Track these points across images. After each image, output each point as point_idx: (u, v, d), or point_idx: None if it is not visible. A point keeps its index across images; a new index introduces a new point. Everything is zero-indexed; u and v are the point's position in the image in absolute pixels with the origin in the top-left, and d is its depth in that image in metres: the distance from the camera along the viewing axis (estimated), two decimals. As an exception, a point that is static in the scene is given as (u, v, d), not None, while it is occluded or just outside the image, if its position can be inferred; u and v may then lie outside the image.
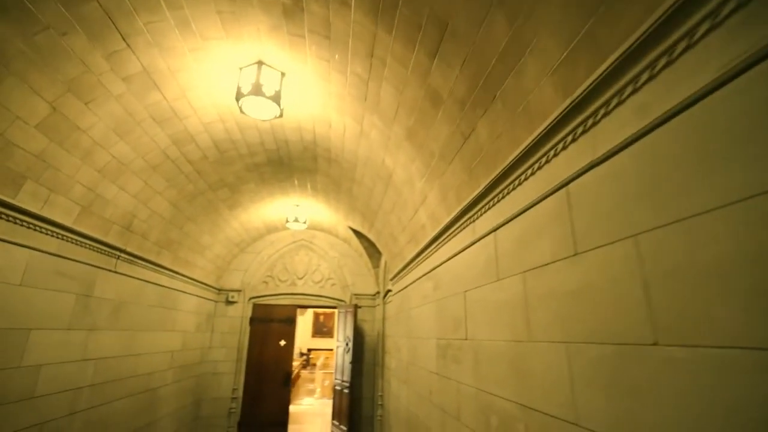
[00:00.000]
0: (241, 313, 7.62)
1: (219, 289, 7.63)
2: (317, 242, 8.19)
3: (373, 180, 4.34)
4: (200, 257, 6.30)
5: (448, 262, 3.22)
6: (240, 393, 7.31)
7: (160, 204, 4.38)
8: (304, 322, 25.50)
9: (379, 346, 7.08)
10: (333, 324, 25.88)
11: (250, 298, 7.78)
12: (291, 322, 7.74)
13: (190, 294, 6.29)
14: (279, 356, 7.55)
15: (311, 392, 13.51)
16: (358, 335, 7.42)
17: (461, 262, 2.92)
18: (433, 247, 3.61)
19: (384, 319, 7.07)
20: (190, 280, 6.19)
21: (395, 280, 5.61)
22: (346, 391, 6.83)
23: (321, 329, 25.89)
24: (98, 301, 3.93)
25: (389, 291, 6.62)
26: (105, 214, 3.73)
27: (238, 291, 7.69)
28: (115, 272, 4.19)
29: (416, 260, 4.28)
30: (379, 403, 6.69)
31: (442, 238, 3.29)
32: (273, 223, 7.46)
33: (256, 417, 7.23)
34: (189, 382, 6.49)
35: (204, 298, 6.95)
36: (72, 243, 3.48)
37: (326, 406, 11.15)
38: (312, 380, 17.29)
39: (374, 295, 7.84)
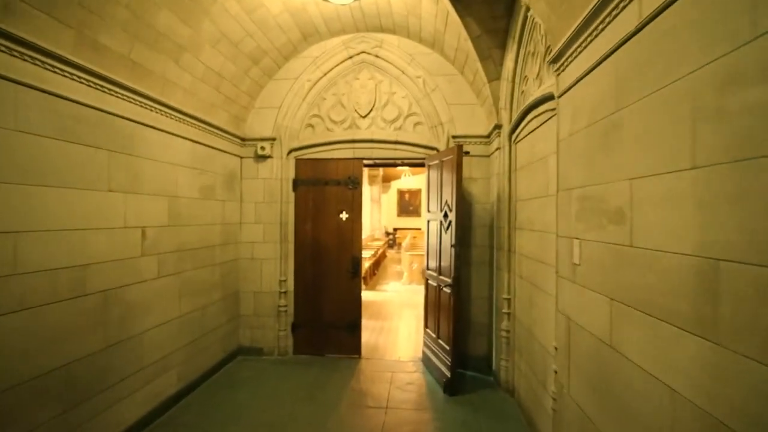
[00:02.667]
0: (279, 173, 4.99)
1: (243, 138, 4.97)
2: (387, 54, 4.89)
3: None
4: (178, 69, 3.48)
5: None
6: (290, 286, 5.06)
7: None
8: (389, 201, 23.72)
9: (502, 219, 4.08)
10: (419, 201, 23.76)
11: (291, 151, 5.05)
12: (354, 184, 4.98)
13: (174, 135, 3.65)
14: (341, 235, 5.00)
15: (398, 275, 11.67)
16: (464, 202, 4.45)
17: None
18: None
19: (512, 170, 3.91)
20: (166, 110, 3.49)
21: (565, 60, 2.28)
22: (446, 289, 4.14)
23: (407, 208, 24.00)
24: None
25: (528, 112, 3.33)
26: None
27: (271, 140, 4.97)
28: None
29: None
30: (506, 311, 3.93)
31: None
32: (307, 16, 4.25)
33: (315, 317, 5.03)
34: (208, 271, 4.27)
35: (212, 147, 4.34)
36: None
37: (416, 293, 9.07)
38: (398, 261, 15.66)
39: (487, 136, 4.61)
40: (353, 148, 4.97)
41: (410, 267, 10.50)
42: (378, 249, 13.23)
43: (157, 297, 3.44)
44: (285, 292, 5.02)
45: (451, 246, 3.97)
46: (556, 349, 2.46)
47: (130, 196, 3.11)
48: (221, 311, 4.58)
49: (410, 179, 18.91)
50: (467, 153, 4.35)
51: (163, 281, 3.50)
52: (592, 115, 1.99)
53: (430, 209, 4.71)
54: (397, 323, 6.71)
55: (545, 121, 2.95)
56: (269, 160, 4.98)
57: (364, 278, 9.77)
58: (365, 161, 5.05)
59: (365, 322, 6.47)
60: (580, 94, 2.12)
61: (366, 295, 8.91)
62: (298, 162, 5.06)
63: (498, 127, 4.15)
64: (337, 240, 5.00)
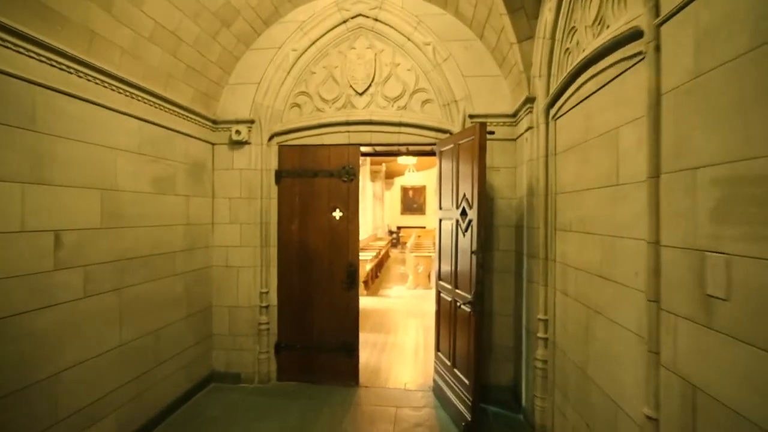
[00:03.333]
0: (258, 162, 4.13)
1: (214, 121, 4.10)
2: (389, 17, 4.01)
3: None
4: (112, 20, 2.62)
5: None
6: (273, 299, 4.20)
7: None
8: (392, 198, 22.84)
9: (536, 218, 3.19)
10: (423, 199, 22.86)
11: (273, 136, 4.18)
12: (350, 176, 4.10)
13: (110, 110, 2.79)
14: (334, 237, 4.13)
15: (402, 278, 10.80)
16: (485, 198, 3.55)
17: None
18: None
19: (550, 154, 3.01)
20: (96, 75, 2.63)
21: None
22: (465, 308, 3.25)
23: (411, 206, 23.10)
24: None
25: (580, 74, 2.43)
26: None
27: (249, 123, 4.10)
28: None
29: None
30: (542, 335, 3.05)
31: None
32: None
33: (303, 337, 4.17)
34: (166, 284, 3.42)
35: (170, 129, 3.48)
36: None
37: (423, 300, 8.19)
38: (403, 261, 14.76)
39: (513, 115, 3.72)
40: (348, 131, 4.09)
41: (415, 270, 9.63)
42: (380, 250, 12.36)
43: (84, 323, 2.58)
44: (267, 307, 4.16)
45: (472, 253, 3.09)
46: (650, 419, 1.58)
47: (33, 188, 2.25)
48: (186, 332, 3.73)
49: (414, 175, 18.03)
50: (491, 133, 3.46)
51: (92, 302, 2.65)
52: (754, 36, 1.10)
53: (442, 206, 3.83)
54: (402, 337, 5.84)
55: (613, 78, 2.06)
56: (247, 146, 4.12)
57: (365, 282, 8.92)
58: (363, 148, 4.17)
59: (365, 337, 5.61)
60: (720, 6, 1.24)
61: (366, 302, 8.07)
62: (282, 149, 4.19)
63: (529, 101, 3.27)
64: (330, 243, 4.13)
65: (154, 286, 3.27)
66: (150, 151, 3.22)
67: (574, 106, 2.61)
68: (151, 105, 3.19)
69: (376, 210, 17.97)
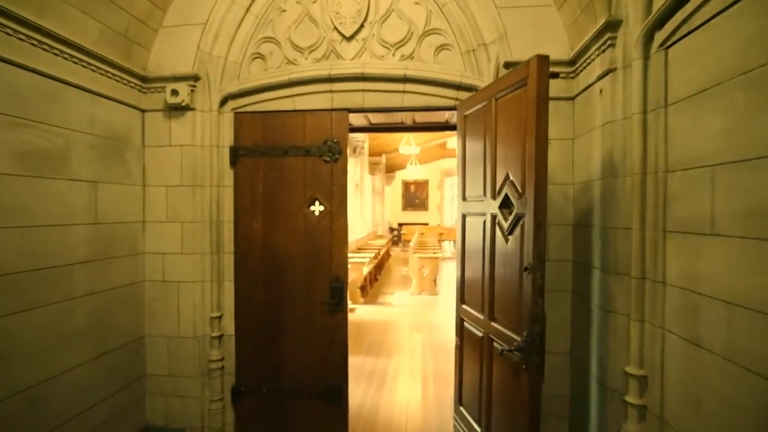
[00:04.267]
0: (207, 136, 2.94)
1: (143, 78, 2.91)
2: (388, -73, 2.81)
3: None
4: None
5: None
6: (229, 326, 3.03)
7: None
8: (393, 193, 21.63)
9: (624, 212, 2.01)
10: (426, 194, 21.65)
11: (227, 99, 2.99)
12: (333, 153, 2.91)
13: None
14: (313, 240, 2.95)
15: (404, 281, 9.64)
16: (545, 181, 2.34)
17: None
18: None
19: (654, 108, 1.83)
20: None
21: None
22: (510, 355, 2.05)
23: (413, 201, 21.85)
24: None
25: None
26: None
27: (192, 80, 2.90)
28: None
29: None
30: (636, 400, 1.88)
31: None
32: None
33: (271, 378, 3.00)
34: (55, 313, 2.26)
35: (59, 80, 2.31)
36: None
37: (428, 308, 7.01)
38: (405, 261, 13.59)
39: (571, 62, 2.53)
40: (331, 91, 2.91)
41: (420, 273, 8.46)
42: (380, 249, 11.20)
43: None
44: (220, 338, 3.00)
45: (523, 270, 1.90)
46: None
47: None
48: (97, 378, 2.56)
49: (416, 168, 16.86)
50: (556, 76, 2.24)
51: None
52: None
53: (466, 195, 2.64)
54: (406, 362, 4.68)
55: None
56: (189, 114, 2.93)
57: (362, 288, 7.77)
58: (352, 116, 2.99)
59: (360, 363, 4.46)
60: None
61: (364, 312, 6.92)
62: (240, 118, 3.01)
63: (611, 27, 2.07)
64: (307, 249, 2.95)
65: (29, 318, 2.10)
66: (13, 110, 2.04)
67: (722, 11, 1.42)
68: (11, 35, 2.01)
69: (375, 206, 16.81)
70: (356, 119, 3.25)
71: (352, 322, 6.38)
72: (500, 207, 2.15)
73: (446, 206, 21.06)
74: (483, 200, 2.37)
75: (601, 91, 2.21)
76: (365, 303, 7.57)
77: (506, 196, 2.10)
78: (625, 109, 2.01)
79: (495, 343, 2.20)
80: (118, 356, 2.76)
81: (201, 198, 2.94)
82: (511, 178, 2.06)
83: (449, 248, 17.97)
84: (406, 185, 20.94)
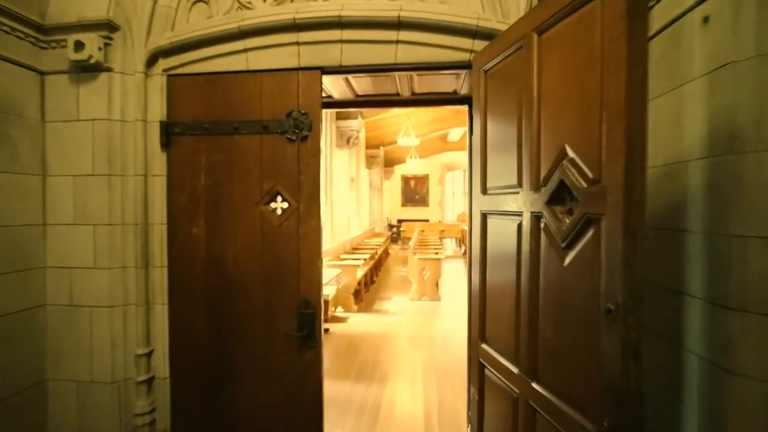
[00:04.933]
0: (128, 107, 2.14)
1: (40, 27, 2.10)
2: None
3: None
4: None
5: None
6: (163, 366, 2.24)
7: None
8: (391, 188, 20.80)
9: (755, 211, 1.22)
10: (426, 189, 20.83)
11: (157, 56, 2.18)
12: (300, 129, 2.11)
13: None
14: (274, 249, 2.15)
15: (404, 283, 8.85)
16: (645, 150, 1.56)
17: None
18: None
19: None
20: None
21: None
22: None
23: (412, 197, 21.05)
24: None
25: None
26: None
27: (107, 30, 2.09)
28: None
29: None
30: None
31: None
32: None
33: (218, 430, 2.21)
34: None
35: None
36: None
37: (430, 317, 6.16)
38: (404, 260, 12.79)
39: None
40: (298, 42, 2.10)
41: (420, 276, 7.67)
42: (378, 249, 10.42)
43: None
44: (150, 382, 2.21)
45: (605, 312, 1.10)
46: None
47: None
48: (-43, 452, 1.78)
49: (416, 162, 16.05)
50: None
51: None
52: None
53: (488, 186, 1.82)
54: (404, 392, 3.89)
55: None
56: (104, 77, 2.13)
57: (356, 293, 6.99)
58: (327, 74, 2.18)
59: (347, 391, 3.70)
60: None
61: (358, 322, 6.01)
62: (176, 83, 2.21)
63: None
64: (266, 262, 2.15)
65: None
66: None
67: None
68: None
69: (373, 202, 16.02)
70: (335, 86, 2.46)
71: (343, 335, 5.61)
72: (549, 203, 1.35)
73: (447, 202, 20.28)
74: (517, 192, 1.56)
75: (706, 18, 1.40)
76: (359, 311, 6.78)
77: (561, 184, 1.30)
78: (761, 39, 1.21)
79: (540, 416, 1.41)
80: (9, 408, 1.98)
81: (121, 192, 2.14)
82: (571, 154, 1.26)
83: (451, 246, 17.21)
84: (405, 180, 20.18)
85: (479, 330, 1.87)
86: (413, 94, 2.76)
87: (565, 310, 1.28)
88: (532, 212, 1.45)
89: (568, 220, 1.28)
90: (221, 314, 2.19)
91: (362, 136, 12.14)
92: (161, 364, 2.23)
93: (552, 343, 1.36)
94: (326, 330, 5.73)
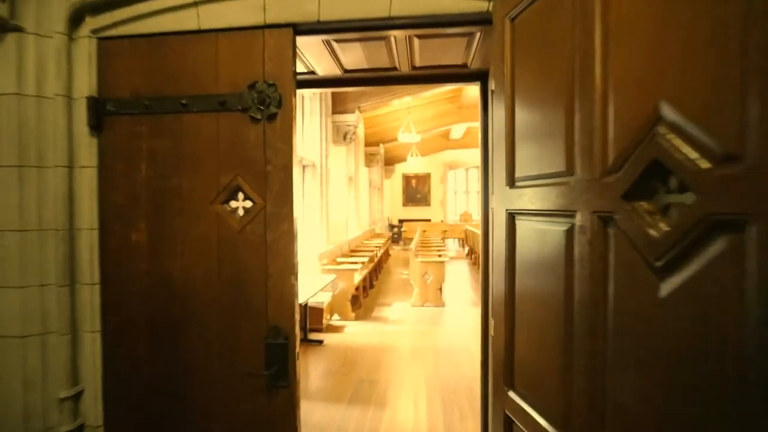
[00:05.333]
0: (48, 81, 1.66)
1: (-74, -27, 1.63)
2: None
3: None
4: None
5: None
6: (95, 411, 1.75)
7: None
8: (392, 187, 20.30)
9: None
10: (428, 188, 20.32)
11: (82, 12, 1.69)
12: (266, 104, 1.62)
13: None
14: (234, 261, 1.66)
15: (405, 286, 8.38)
16: None
17: None
18: None
19: None
20: None
21: None
22: None
23: (414, 196, 20.56)
24: None
25: None
26: None
27: (14, -25, 1.62)
28: None
29: None
30: None
31: None
32: None
33: (168, 502, 1.72)
34: None
35: None
36: None
37: (433, 325, 5.63)
38: (405, 262, 12.29)
39: None
40: (262, -8, 1.61)
41: (423, 280, 7.19)
42: (378, 250, 9.94)
43: None
44: (79, 431, 1.73)
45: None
46: None
47: None
48: None
49: (417, 161, 15.58)
50: None
51: None
52: None
53: (516, 177, 1.34)
54: (405, 419, 3.40)
55: None
56: (11, 39, 1.64)
57: (354, 298, 6.50)
58: (302, 35, 1.69)
59: (340, 416, 3.23)
60: None
61: (355, 332, 5.43)
62: (109, 48, 1.72)
63: None
64: (225, 277, 1.67)
65: None
66: None
67: None
68: None
69: (373, 201, 15.54)
70: (319, 59, 2.01)
71: (339, 347, 5.12)
72: (629, 196, 0.86)
73: (450, 201, 19.82)
74: (565, 183, 1.07)
75: None
76: (357, 318, 6.30)
77: (652, 166, 0.81)
78: None
79: None
80: None
81: (38, 188, 1.66)
82: (672, 117, 0.77)
83: (454, 246, 16.73)
84: (406, 179, 19.72)
85: (504, 372, 1.38)
86: (414, 68, 2.27)
87: (663, 367, 0.79)
88: (594, 212, 0.96)
89: (665, 225, 0.79)
90: (169, 345, 1.71)
91: (361, 132, 11.66)
92: (93, 409, 1.74)
93: (636, 412, 0.86)
94: (320, 342, 5.24)
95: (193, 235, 1.68)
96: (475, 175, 19.82)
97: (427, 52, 2.15)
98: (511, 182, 1.36)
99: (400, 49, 2.05)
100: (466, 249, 14.57)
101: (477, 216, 19.06)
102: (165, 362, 1.71)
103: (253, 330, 1.65)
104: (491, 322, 2.02)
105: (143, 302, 1.71)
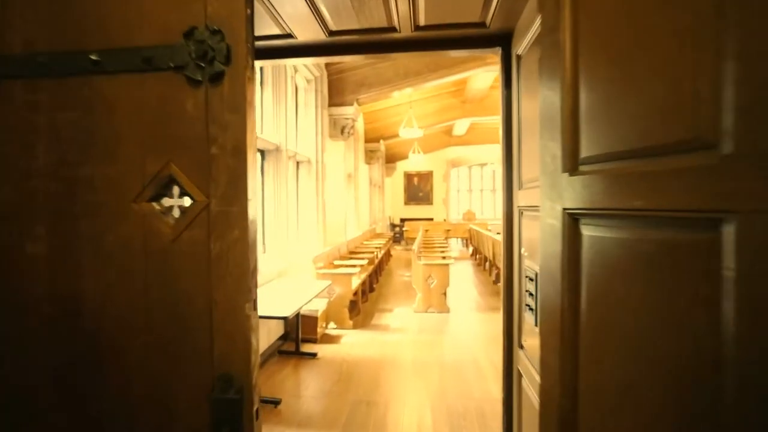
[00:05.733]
0: None
1: None
2: None
3: None
4: None
5: None
6: (-22, 487, 1.28)
7: None
8: (393, 186, 19.81)
9: None
10: (430, 186, 19.82)
11: (-50, -66, 1.22)
12: (210, 61, 1.14)
13: None
14: (163, 285, 1.19)
15: (407, 290, 7.90)
16: None
17: None
18: None
19: None
20: None
21: None
22: None
23: (416, 195, 20.05)
24: None
25: None
26: None
27: None
28: None
29: None
30: None
31: None
32: None
33: None
34: None
35: None
36: None
37: (438, 333, 5.09)
38: (407, 263, 11.80)
39: None
40: None
41: (426, 284, 6.71)
42: (378, 251, 9.46)
43: None
44: None
45: None
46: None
47: None
48: None
49: (419, 158, 15.10)
50: None
51: None
52: None
53: (580, 159, 0.86)
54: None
55: None
56: None
57: (352, 304, 6.04)
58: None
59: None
60: None
61: (352, 343, 4.91)
62: (-7, -15, 1.24)
63: None
64: (154, 304, 1.19)
65: None
66: None
67: None
68: None
69: (374, 200, 15.06)
70: (298, 20, 1.51)
71: (334, 361, 4.64)
72: None
73: (452, 200, 19.34)
74: (702, 162, 0.59)
75: None
76: (355, 326, 5.82)
77: None
78: None
79: None
80: None
81: None
82: None
83: (457, 246, 16.26)
84: (408, 177, 19.25)
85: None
86: (417, 28, 1.78)
87: None
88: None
89: None
90: (81, 401, 1.23)
91: (360, 127, 11.17)
92: (-24, 486, 1.27)
93: None
94: (314, 355, 4.76)
95: (111, 245, 1.20)
96: (479, 173, 19.31)
97: (434, 7, 1.66)
98: (573, 167, 0.87)
99: (402, 11, 1.57)
100: (471, 249, 14.09)
101: (481, 215, 18.55)
102: (76, 426, 1.23)
103: (194, 379, 1.18)
104: (520, 356, 1.58)
105: (42, 340, 1.23)
